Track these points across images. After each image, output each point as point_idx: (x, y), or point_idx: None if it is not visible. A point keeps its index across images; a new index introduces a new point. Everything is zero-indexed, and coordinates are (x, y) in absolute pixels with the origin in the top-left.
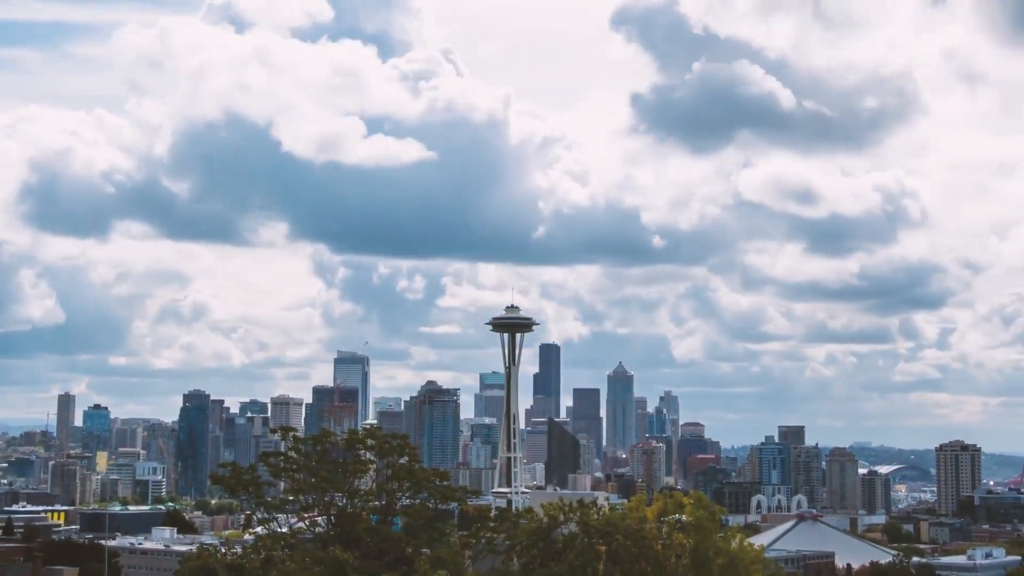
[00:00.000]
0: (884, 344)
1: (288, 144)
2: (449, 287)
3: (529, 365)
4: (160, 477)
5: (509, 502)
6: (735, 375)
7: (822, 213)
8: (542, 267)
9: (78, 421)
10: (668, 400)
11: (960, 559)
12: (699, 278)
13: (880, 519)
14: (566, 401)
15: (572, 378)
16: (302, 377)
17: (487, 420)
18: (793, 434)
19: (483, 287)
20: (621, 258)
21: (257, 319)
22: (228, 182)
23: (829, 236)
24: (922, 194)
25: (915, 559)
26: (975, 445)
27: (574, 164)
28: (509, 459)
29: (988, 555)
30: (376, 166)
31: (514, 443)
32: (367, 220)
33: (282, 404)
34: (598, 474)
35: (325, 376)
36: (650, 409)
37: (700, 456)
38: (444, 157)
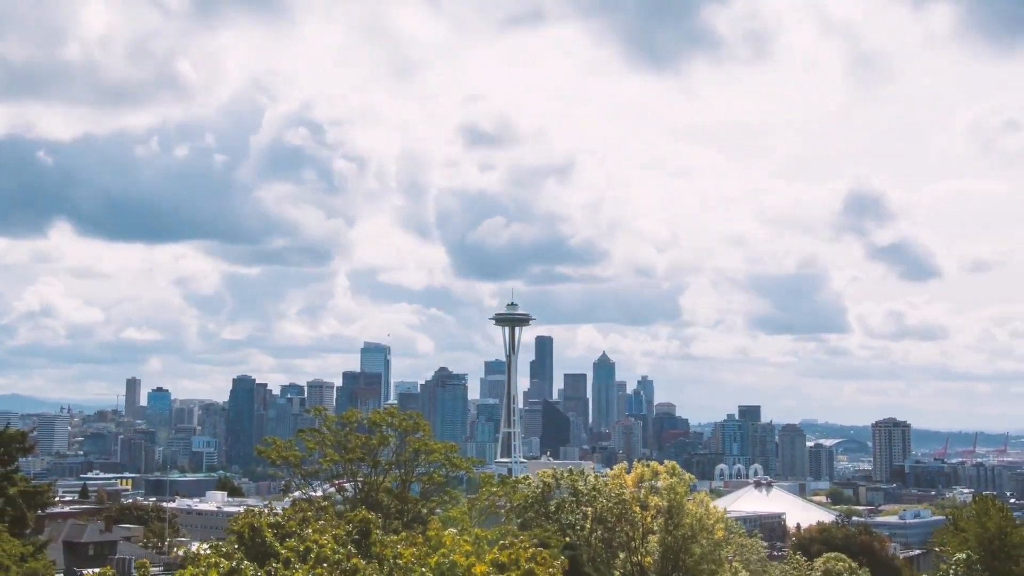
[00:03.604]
0: None
1: None
2: None
3: (527, 353)
4: (213, 449)
5: (509, 470)
6: None
7: None
8: None
9: (143, 401)
10: (644, 384)
11: (893, 519)
12: None
13: (825, 485)
14: (558, 384)
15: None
16: None
17: (491, 401)
18: (751, 412)
19: None
20: None
21: None
22: None
23: None
24: None
25: (854, 519)
26: (905, 422)
27: None
28: (509, 434)
29: (916, 515)
30: None
31: (513, 420)
32: None
33: (316, 387)
34: (585, 447)
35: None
36: (629, 391)
37: (672, 431)
38: None
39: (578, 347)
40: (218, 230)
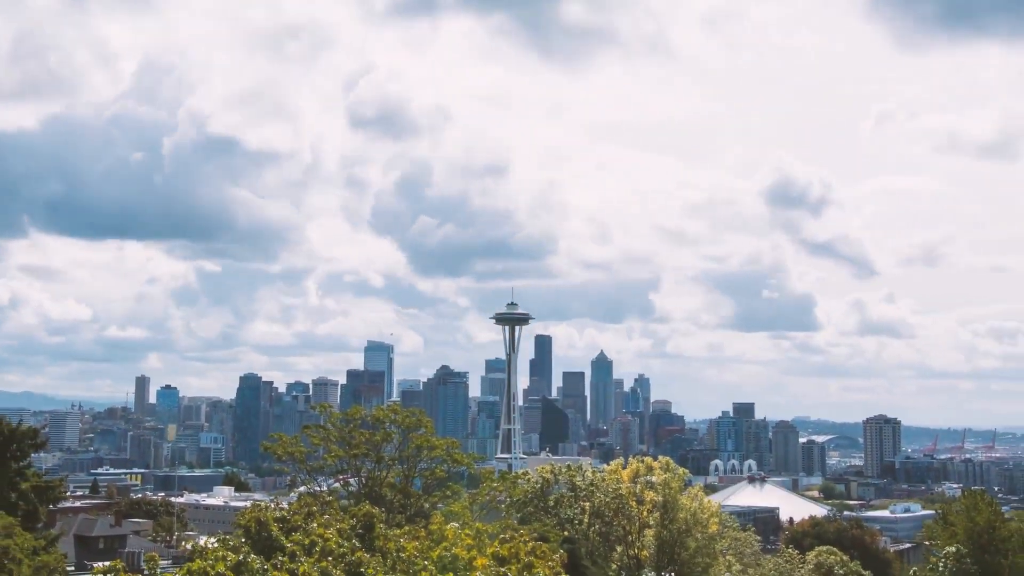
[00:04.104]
0: None
1: None
2: None
3: (526, 352)
4: (220, 446)
5: (509, 466)
6: None
7: None
8: None
9: (152, 399)
10: (641, 381)
11: (883, 513)
12: None
13: (817, 480)
14: (557, 382)
15: None
16: None
17: (491, 398)
18: (745, 409)
19: None
20: None
21: None
22: None
23: None
24: None
25: (846, 513)
26: (896, 419)
27: None
28: (509, 430)
29: (906, 510)
30: None
31: (513, 417)
32: None
33: (321, 384)
34: (583, 443)
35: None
36: (626, 389)
37: (668, 428)
38: None
39: (561, 344)
40: (167, 228)
